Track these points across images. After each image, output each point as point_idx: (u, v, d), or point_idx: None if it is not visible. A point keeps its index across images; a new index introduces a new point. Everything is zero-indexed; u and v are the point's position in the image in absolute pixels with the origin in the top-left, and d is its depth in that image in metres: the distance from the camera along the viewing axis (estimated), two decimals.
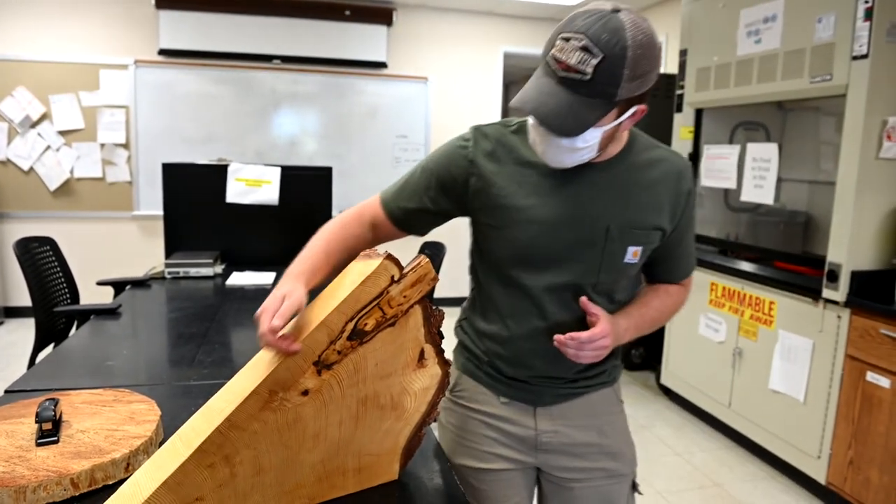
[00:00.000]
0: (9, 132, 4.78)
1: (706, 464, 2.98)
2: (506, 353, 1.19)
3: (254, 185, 3.22)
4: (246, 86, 5.18)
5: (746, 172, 3.08)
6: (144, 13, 4.94)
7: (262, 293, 2.59)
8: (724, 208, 3.44)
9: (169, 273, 2.86)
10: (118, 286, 2.78)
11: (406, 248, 2.24)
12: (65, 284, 2.81)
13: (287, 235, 3.27)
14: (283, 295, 0.95)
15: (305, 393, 0.93)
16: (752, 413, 2.98)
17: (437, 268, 2.91)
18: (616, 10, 0.90)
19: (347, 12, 5.18)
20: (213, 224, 3.21)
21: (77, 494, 0.99)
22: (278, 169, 3.27)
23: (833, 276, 2.50)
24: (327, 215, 3.35)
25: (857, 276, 2.46)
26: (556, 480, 1.27)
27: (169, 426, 1.22)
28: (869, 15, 2.33)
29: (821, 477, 2.60)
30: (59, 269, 2.80)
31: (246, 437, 0.89)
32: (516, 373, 1.20)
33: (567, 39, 0.90)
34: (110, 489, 0.98)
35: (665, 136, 3.60)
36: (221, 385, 0.96)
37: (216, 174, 3.20)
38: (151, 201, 5.07)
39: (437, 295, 5.25)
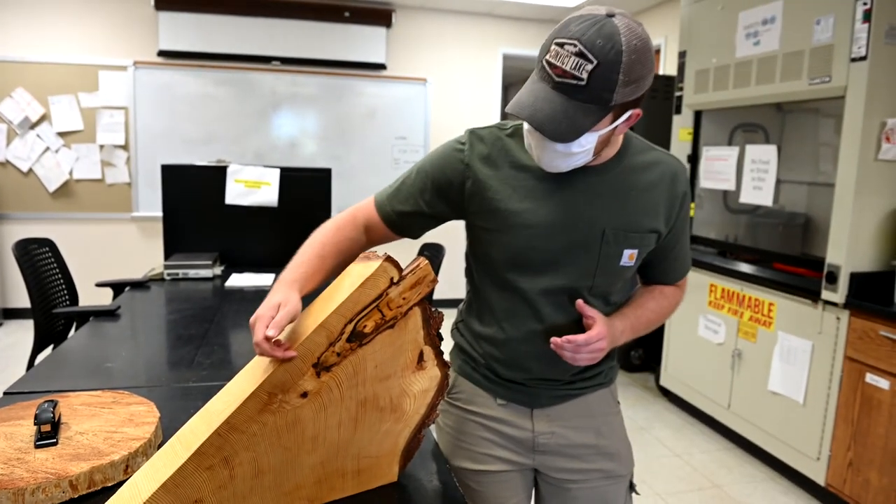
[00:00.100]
0: (8, 133, 4.78)
1: (705, 465, 2.98)
2: (502, 355, 1.20)
3: (253, 187, 3.22)
4: (245, 87, 5.19)
5: (745, 174, 3.09)
6: (144, 14, 4.95)
7: (261, 295, 2.58)
8: (723, 210, 3.44)
9: (168, 274, 2.86)
10: (117, 288, 2.78)
11: (405, 250, 2.24)
12: (64, 286, 2.81)
13: (286, 237, 3.27)
14: (277, 303, 0.94)
15: (304, 395, 0.93)
16: (752, 414, 2.98)
17: (437, 270, 2.91)
18: (610, 15, 0.90)
19: (347, 14, 5.19)
20: (213, 225, 3.21)
21: (76, 496, 0.99)
22: (277, 170, 3.27)
23: (832, 278, 2.50)
24: (326, 217, 3.32)
25: (856, 278, 2.46)
26: (553, 482, 1.27)
27: (168, 428, 1.21)
28: (867, 17, 2.33)
29: (820, 478, 2.60)
30: (58, 270, 2.79)
31: (245, 439, 0.89)
32: (513, 375, 1.21)
33: (562, 45, 0.91)
34: (109, 491, 0.98)
35: (664, 137, 3.61)
36: (220, 387, 0.96)
37: (215, 175, 3.20)
38: (150, 203, 5.07)
39: (436, 297, 5.25)
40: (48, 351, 2.45)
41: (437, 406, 1.12)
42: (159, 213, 4.80)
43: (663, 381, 3.73)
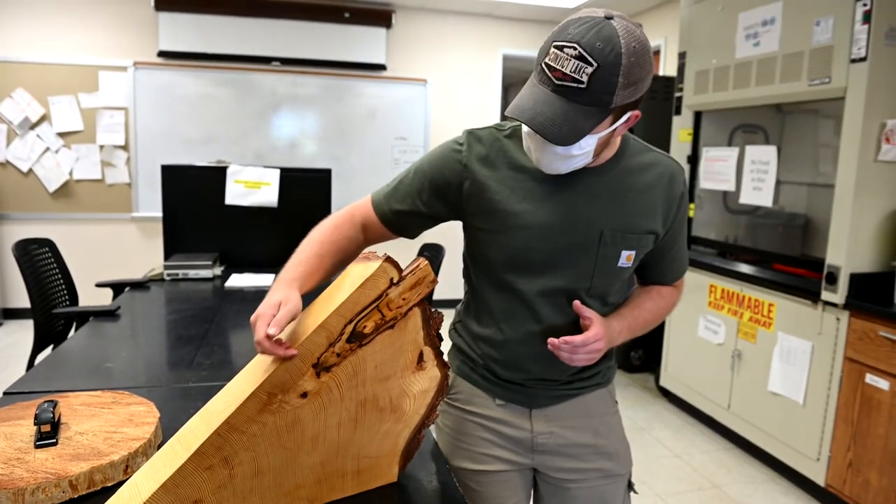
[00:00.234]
0: (8, 134, 4.78)
1: (705, 465, 2.98)
2: (500, 356, 1.20)
3: (253, 187, 3.23)
4: (245, 88, 5.19)
5: (745, 175, 3.09)
6: (144, 15, 4.95)
7: (261, 295, 2.58)
8: (722, 211, 3.44)
9: (168, 275, 2.86)
10: (117, 288, 2.78)
11: (405, 251, 2.24)
12: (64, 286, 2.81)
13: (286, 237, 3.25)
14: (278, 302, 0.94)
15: (304, 395, 0.93)
16: (752, 415, 2.98)
17: (436, 270, 2.91)
18: (609, 18, 0.91)
19: (347, 14, 5.19)
20: (213, 226, 3.21)
21: (76, 496, 0.99)
22: (277, 171, 3.27)
23: (832, 279, 2.50)
24: (326, 217, 3.35)
25: (855, 279, 2.46)
26: (552, 481, 1.27)
27: (168, 428, 1.22)
28: (867, 18, 2.33)
29: (820, 479, 2.60)
30: (57, 270, 2.79)
31: (245, 439, 0.89)
32: (511, 375, 1.21)
33: (561, 48, 0.91)
34: (109, 491, 0.98)
35: (664, 138, 3.61)
36: (220, 387, 0.96)
37: (215, 176, 3.20)
38: (150, 203, 5.07)
39: (435, 297, 5.25)
40: (48, 351, 2.45)
41: (436, 406, 1.12)
42: (159, 214, 4.80)
43: (663, 382, 3.73)
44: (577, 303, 1.10)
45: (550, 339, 1.06)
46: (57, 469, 0.99)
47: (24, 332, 4.65)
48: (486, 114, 5.76)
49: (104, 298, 2.81)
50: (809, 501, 2.69)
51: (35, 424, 1.08)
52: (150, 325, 2.15)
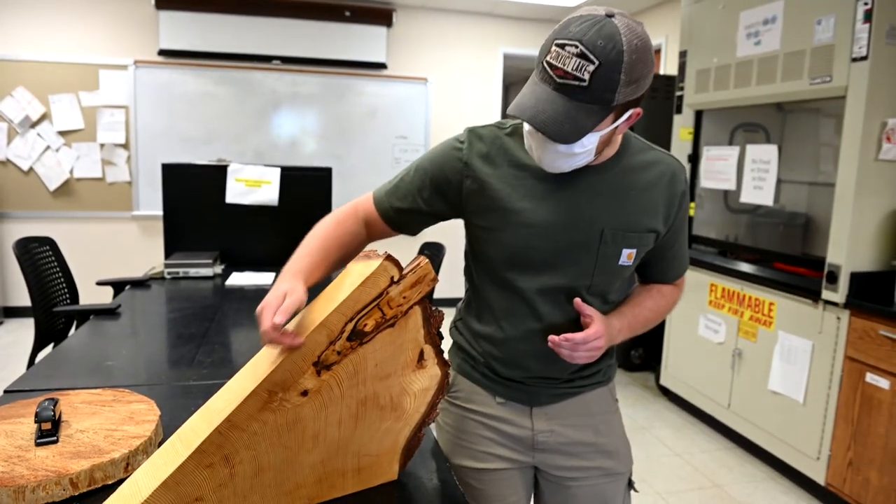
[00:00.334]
0: (8, 132, 4.78)
1: (705, 464, 2.99)
2: (501, 354, 1.20)
3: (253, 186, 3.22)
4: (246, 86, 5.19)
5: (746, 174, 3.09)
6: (144, 14, 4.95)
7: (261, 293, 2.58)
8: (723, 209, 3.44)
9: (168, 273, 2.86)
10: (118, 286, 2.78)
11: (405, 249, 2.24)
12: (64, 284, 2.81)
13: (286, 236, 3.24)
14: (283, 292, 0.95)
15: (305, 393, 0.93)
16: (752, 414, 2.98)
17: (437, 269, 2.91)
18: (610, 15, 0.90)
19: (347, 13, 5.19)
20: (213, 224, 3.21)
21: (76, 494, 0.99)
22: (278, 169, 3.27)
23: (832, 278, 2.50)
24: (328, 215, 3.34)
25: (856, 278, 2.46)
26: (553, 479, 1.27)
27: (168, 426, 1.22)
28: (868, 17, 2.33)
29: (820, 478, 2.60)
30: (58, 269, 2.80)
31: (245, 437, 0.89)
32: (512, 373, 1.21)
33: (562, 46, 0.91)
34: (109, 489, 0.98)
35: (665, 137, 3.61)
36: (221, 385, 0.96)
37: (216, 174, 3.20)
38: (151, 201, 5.07)
39: (436, 296, 5.25)
40: (49, 349, 2.45)
41: (437, 405, 1.12)
42: (160, 212, 4.81)
43: (663, 381, 3.73)
44: (577, 301, 1.10)
45: (551, 337, 1.06)
46: (58, 467, 0.99)
47: (24, 330, 4.65)
48: (487, 113, 5.75)
49: (105, 297, 2.81)
50: (810, 500, 2.69)
51: (36, 422, 1.08)
52: (151, 323, 2.15)
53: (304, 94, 5.31)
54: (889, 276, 2.49)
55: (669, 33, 4.93)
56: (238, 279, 2.85)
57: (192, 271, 2.88)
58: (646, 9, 5.23)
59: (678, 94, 3.51)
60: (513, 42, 5.76)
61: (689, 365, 3.48)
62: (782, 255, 2.95)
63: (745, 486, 2.79)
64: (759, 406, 2.94)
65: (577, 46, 0.89)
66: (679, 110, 3.52)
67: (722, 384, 3.19)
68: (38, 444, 1.05)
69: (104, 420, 1.16)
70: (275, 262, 3.16)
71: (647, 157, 1.14)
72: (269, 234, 3.26)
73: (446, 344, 1.33)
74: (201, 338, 1.94)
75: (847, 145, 2.44)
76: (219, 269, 3.02)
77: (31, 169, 4.85)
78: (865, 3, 2.34)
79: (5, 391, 1.46)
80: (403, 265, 0.99)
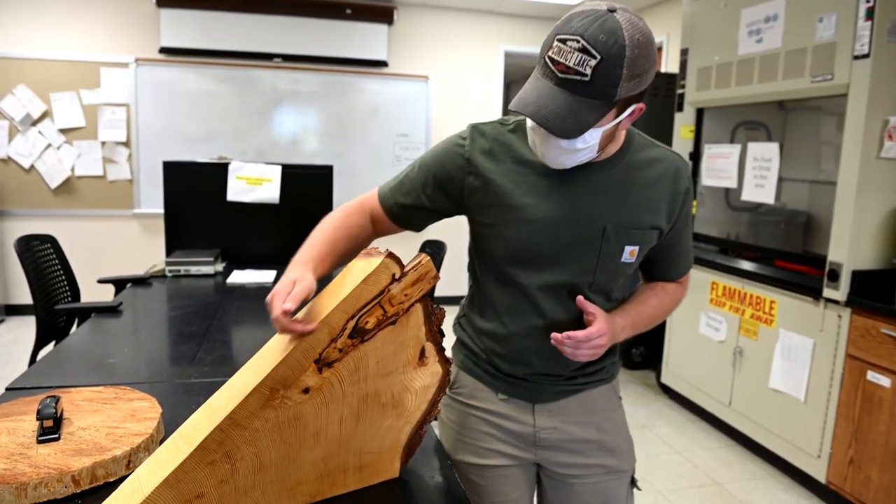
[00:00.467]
0: (10, 130, 4.78)
1: (706, 462, 2.99)
2: (503, 350, 1.20)
3: (254, 184, 3.23)
4: (247, 84, 5.18)
5: (747, 172, 3.08)
6: (145, 11, 4.95)
7: (262, 291, 2.59)
8: (724, 208, 3.44)
9: (170, 271, 2.86)
10: (119, 284, 2.78)
11: (407, 246, 2.24)
12: (65, 282, 2.81)
13: (288, 234, 3.27)
14: (293, 280, 0.97)
15: (306, 391, 0.93)
16: (753, 412, 2.98)
17: (438, 266, 2.91)
18: (612, 10, 0.90)
19: (348, 11, 5.18)
20: (214, 222, 3.21)
21: (78, 491, 0.99)
22: (279, 167, 3.27)
23: (834, 276, 2.50)
24: (328, 214, 3.34)
25: (857, 276, 2.46)
26: (555, 476, 1.27)
27: (170, 424, 1.22)
28: (870, 14, 2.33)
29: (821, 476, 2.60)
30: (59, 267, 2.80)
31: (247, 434, 0.89)
32: (514, 370, 1.21)
33: (564, 41, 0.90)
34: (111, 486, 0.98)
35: (666, 135, 3.60)
36: (222, 383, 0.96)
37: (217, 172, 3.20)
38: (152, 199, 5.07)
39: (437, 293, 5.25)
40: (50, 347, 2.45)
41: (438, 402, 1.12)
42: (161, 210, 4.81)
43: (664, 379, 3.73)
44: (580, 298, 1.10)
45: (553, 334, 1.06)
46: (59, 464, 0.99)
47: (26, 328, 4.66)
48: (488, 110, 5.75)
49: (106, 295, 2.81)
50: (810, 498, 2.69)
51: (37, 420, 1.08)
52: (152, 321, 2.16)
53: (306, 92, 5.31)
54: (890, 274, 2.49)
55: (671, 31, 4.92)
56: (239, 277, 2.85)
57: (194, 269, 2.89)
58: (647, 6, 5.22)
59: (679, 91, 3.51)
60: (514, 40, 5.75)
61: (690, 363, 3.48)
62: (783, 253, 2.94)
63: (746, 484, 2.79)
64: (759, 404, 2.94)
65: (578, 41, 0.89)
66: (680, 108, 3.51)
67: (723, 382, 3.19)
68: (39, 442, 1.06)
69: (106, 417, 1.16)
70: (276, 260, 3.18)
71: (651, 153, 1.14)
72: (270, 232, 3.27)
73: (450, 340, 1.33)
74: (202, 335, 1.94)
75: (849, 143, 2.44)
76: (220, 266, 3.03)
77: (32, 167, 4.85)
78: (867, 1, 2.34)
79: (7, 389, 1.46)
80: (405, 263, 0.99)
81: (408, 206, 1.20)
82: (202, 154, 5.04)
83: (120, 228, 5.11)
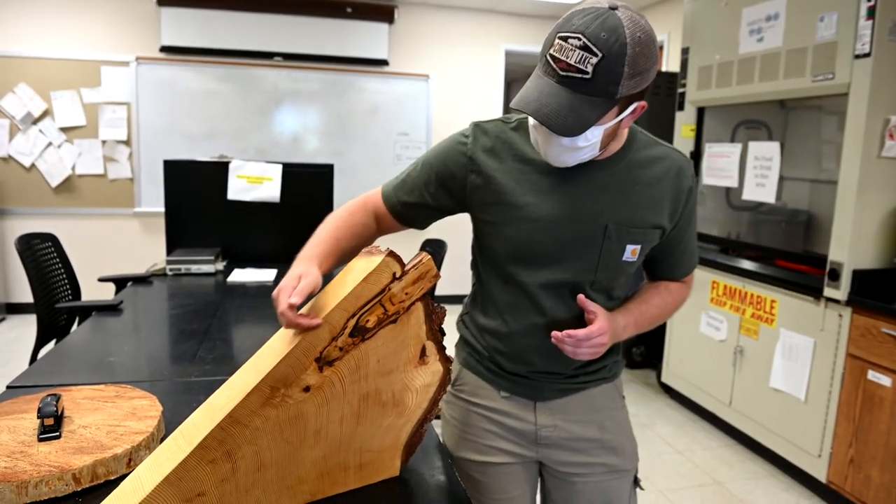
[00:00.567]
0: (10, 129, 4.78)
1: (707, 462, 2.99)
2: (505, 348, 1.20)
3: (255, 183, 3.23)
4: (247, 83, 5.18)
5: (748, 171, 3.08)
6: (146, 10, 4.94)
7: (263, 290, 2.60)
8: (725, 207, 3.44)
9: (170, 270, 2.86)
10: (119, 283, 2.78)
11: (408, 245, 2.24)
12: (66, 281, 2.82)
13: (288, 232, 3.28)
14: (298, 275, 0.97)
15: (307, 389, 0.93)
16: (753, 411, 2.98)
17: (439, 265, 2.91)
18: (613, 8, 0.90)
19: (349, 10, 5.18)
20: (215, 221, 3.22)
21: (79, 489, 0.99)
22: (279, 166, 3.27)
23: (834, 275, 2.50)
24: (329, 213, 3.34)
25: (858, 275, 2.45)
26: (557, 475, 1.27)
27: (170, 422, 1.22)
28: (871, 14, 2.32)
29: (821, 475, 2.60)
30: (60, 265, 2.80)
31: (247, 433, 0.89)
32: (516, 368, 1.21)
33: (565, 39, 0.90)
34: (112, 484, 0.98)
35: (667, 134, 3.60)
36: (223, 381, 0.96)
37: (218, 171, 3.20)
38: (153, 198, 5.07)
39: (438, 292, 5.25)
40: (51, 345, 2.45)
41: (439, 401, 1.12)
42: (161, 209, 4.80)
43: (665, 378, 3.73)
44: (581, 297, 1.10)
45: (554, 333, 1.06)
46: (60, 462, 0.99)
47: (26, 326, 4.66)
48: (489, 109, 5.75)
49: (107, 293, 2.81)
50: (811, 498, 2.69)
51: (38, 418, 1.08)
52: (153, 319, 2.16)
53: (306, 91, 5.30)
54: (891, 273, 2.49)
55: (672, 30, 4.92)
56: (240, 276, 2.85)
57: (194, 268, 2.89)
58: (648, 5, 5.22)
59: (680, 90, 3.51)
60: (514, 39, 5.75)
61: (690, 362, 3.48)
62: (784, 253, 2.94)
63: (746, 484, 2.79)
64: (760, 403, 2.94)
65: (580, 39, 0.89)
66: (681, 107, 3.51)
67: (723, 381, 3.19)
68: (40, 440, 1.06)
69: (107, 416, 1.17)
70: (276, 259, 3.18)
71: (654, 152, 1.13)
72: (270, 231, 3.27)
73: (453, 338, 1.34)
74: (203, 334, 1.94)
75: (849, 142, 2.44)
76: (220, 265, 3.03)
77: (32, 165, 4.85)
78: (868, 0, 2.33)
79: (8, 387, 1.46)
80: (406, 261, 0.99)
81: (411, 205, 1.20)
82: (203, 153, 5.04)
83: (120, 227, 5.11)
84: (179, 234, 3.19)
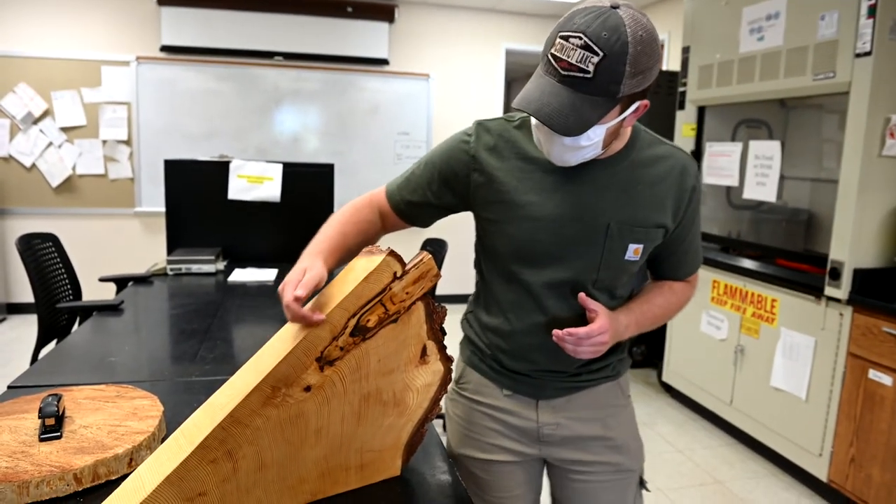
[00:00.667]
0: (11, 129, 4.78)
1: (707, 461, 2.99)
2: (508, 346, 1.20)
3: (255, 182, 3.23)
4: (248, 82, 5.18)
5: (749, 170, 3.08)
6: (146, 10, 4.94)
7: (264, 290, 2.60)
8: (726, 206, 3.44)
9: (171, 269, 2.87)
10: (120, 283, 2.78)
11: (408, 245, 2.24)
12: (67, 281, 2.82)
13: (289, 232, 3.28)
14: (304, 269, 0.98)
15: (308, 389, 0.93)
16: (754, 410, 2.98)
17: (440, 264, 2.91)
18: (615, 7, 0.90)
19: (349, 9, 5.18)
20: (215, 220, 3.22)
21: (80, 489, 0.99)
22: (280, 166, 3.27)
23: (835, 274, 2.50)
24: (329, 212, 3.33)
25: (859, 274, 2.45)
26: (561, 473, 1.28)
27: (171, 422, 1.22)
28: (872, 12, 2.32)
29: (822, 474, 2.60)
30: (61, 265, 2.80)
31: (248, 432, 0.89)
32: (518, 366, 1.21)
33: (567, 38, 0.90)
34: (113, 484, 0.98)
35: (667, 133, 3.60)
36: (223, 381, 0.96)
37: (218, 171, 3.20)
38: (153, 198, 5.07)
39: (439, 292, 5.25)
40: (52, 345, 2.45)
41: (440, 400, 1.12)
42: (162, 209, 4.81)
43: (665, 377, 3.73)
44: (581, 295, 1.10)
45: (555, 331, 1.06)
46: (61, 462, 0.99)
47: (27, 326, 4.67)
48: (489, 109, 5.75)
49: (107, 293, 2.81)
50: (811, 497, 2.69)
51: (39, 418, 1.08)
52: (154, 319, 2.16)
53: (307, 91, 5.30)
54: (892, 272, 2.49)
55: (672, 29, 4.91)
56: (240, 275, 2.85)
57: (195, 267, 2.89)
58: (649, 4, 5.21)
59: (681, 89, 3.51)
60: (515, 38, 5.74)
61: (691, 361, 3.48)
62: (785, 252, 2.94)
63: (747, 483, 2.79)
64: (761, 402, 2.94)
65: (581, 38, 0.89)
66: (682, 106, 3.51)
67: (724, 381, 3.19)
68: (41, 440, 1.06)
69: (107, 416, 1.17)
70: (277, 258, 3.18)
71: (657, 150, 1.13)
72: (271, 231, 3.27)
73: (458, 336, 1.34)
74: (204, 334, 1.94)
75: (850, 141, 2.43)
76: (221, 265, 3.03)
77: (33, 165, 4.85)
78: None
79: (9, 387, 1.46)
80: (406, 261, 0.99)
81: (414, 203, 1.21)
82: (203, 152, 5.04)
83: (121, 227, 5.11)
84: (180, 234, 3.19)
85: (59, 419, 1.10)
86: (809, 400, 2.66)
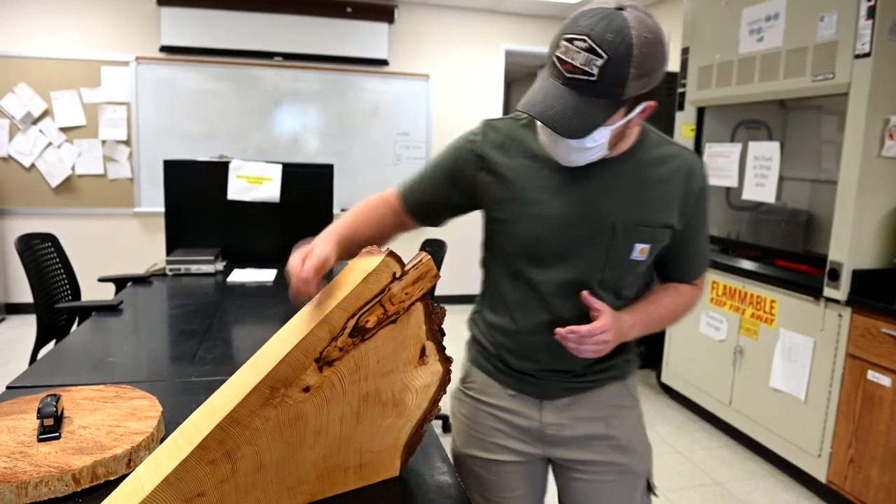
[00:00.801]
0: (10, 129, 4.78)
1: (706, 462, 2.99)
2: (513, 345, 1.20)
3: (255, 183, 3.22)
4: (247, 83, 5.18)
5: (748, 171, 3.08)
6: (146, 10, 4.94)
7: (263, 290, 2.60)
8: (725, 207, 3.44)
9: (170, 270, 2.86)
10: (119, 283, 2.78)
11: (408, 245, 2.24)
12: (66, 281, 2.82)
13: (288, 233, 3.27)
14: (312, 247, 1.01)
15: (307, 390, 0.93)
16: (753, 411, 2.98)
17: (439, 265, 2.91)
18: (620, 8, 0.90)
19: (349, 9, 5.18)
20: (215, 221, 3.22)
21: (79, 490, 0.99)
22: (279, 166, 3.27)
23: (834, 275, 2.50)
24: (329, 213, 3.35)
25: (858, 275, 2.46)
26: (566, 474, 1.28)
27: (170, 422, 1.22)
28: (871, 13, 2.32)
29: (821, 475, 2.60)
30: (60, 265, 2.80)
31: (247, 433, 0.89)
32: (523, 366, 1.21)
33: (571, 41, 0.90)
34: (112, 485, 0.98)
35: (666, 134, 3.60)
36: (222, 382, 0.96)
37: (217, 171, 3.20)
38: (153, 198, 5.07)
39: (438, 292, 5.25)
40: (51, 346, 2.45)
41: (439, 401, 1.12)
42: (161, 209, 4.81)
43: (665, 378, 3.73)
44: (585, 294, 1.10)
45: (557, 329, 1.06)
46: (60, 463, 0.99)
47: (26, 326, 4.66)
48: (489, 109, 5.75)
49: (107, 293, 2.81)
50: (811, 498, 2.69)
51: (38, 418, 1.08)
52: (153, 319, 2.16)
53: (306, 91, 5.30)
54: (891, 273, 2.49)
55: (672, 30, 4.92)
56: (240, 276, 2.85)
57: (194, 268, 2.89)
58: (649, 5, 5.22)
59: (680, 90, 3.51)
60: (515, 39, 5.74)
61: (690, 362, 3.48)
62: (784, 253, 2.94)
63: (746, 484, 2.79)
64: (760, 403, 2.94)
65: (585, 41, 0.89)
66: (681, 107, 3.51)
67: (723, 382, 3.19)
68: (40, 440, 1.06)
69: (106, 416, 1.16)
70: (276, 259, 3.18)
71: (664, 150, 1.13)
72: (270, 231, 3.27)
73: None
74: (203, 334, 1.94)
75: (849, 142, 2.44)
76: (220, 265, 3.03)
77: (32, 165, 4.85)
78: (868, 0, 2.33)
79: (8, 387, 1.46)
80: (406, 261, 0.99)
81: (426, 203, 1.22)
82: (203, 153, 5.04)
83: (120, 227, 5.11)
84: (179, 234, 3.19)
85: (58, 419, 1.10)
86: (808, 401, 2.66)
